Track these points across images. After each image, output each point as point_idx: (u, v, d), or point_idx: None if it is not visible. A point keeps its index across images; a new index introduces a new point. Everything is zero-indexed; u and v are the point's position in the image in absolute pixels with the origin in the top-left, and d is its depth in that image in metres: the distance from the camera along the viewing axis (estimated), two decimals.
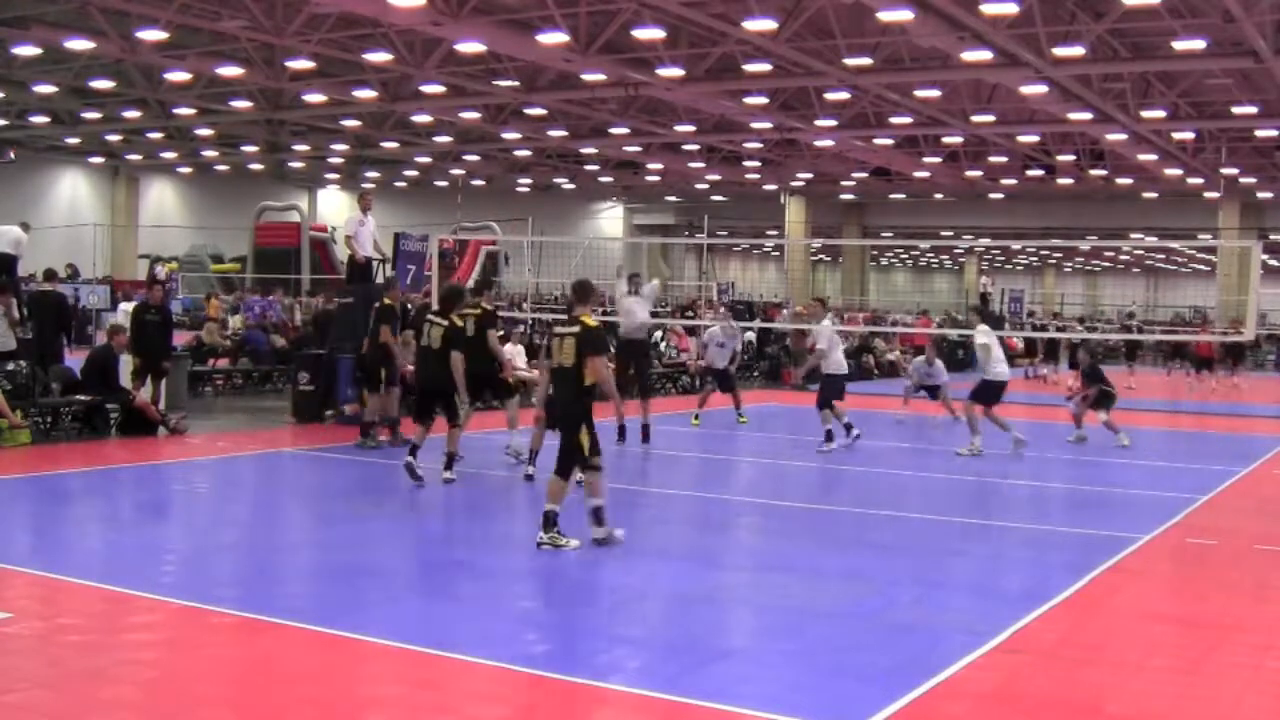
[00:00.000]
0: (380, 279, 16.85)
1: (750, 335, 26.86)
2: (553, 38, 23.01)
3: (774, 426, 18.48)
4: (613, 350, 13.18)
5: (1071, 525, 10.40)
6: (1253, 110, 28.03)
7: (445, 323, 10.87)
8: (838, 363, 14.90)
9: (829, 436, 14.36)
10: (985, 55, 22.57)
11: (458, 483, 11.65)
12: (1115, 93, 27.51)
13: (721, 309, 23.03)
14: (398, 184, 53.80)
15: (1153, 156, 34.87)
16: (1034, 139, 34.92)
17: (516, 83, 28.51)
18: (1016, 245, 63.64)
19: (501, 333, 13.32)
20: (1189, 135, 32.94)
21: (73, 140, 41.26)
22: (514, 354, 19.69)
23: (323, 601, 7.36)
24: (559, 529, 8.30)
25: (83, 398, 13.94)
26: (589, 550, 8.88)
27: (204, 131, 40.13)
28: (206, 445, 13.39)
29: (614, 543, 8.32)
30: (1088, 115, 28.62)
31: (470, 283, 18.96)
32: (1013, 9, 19.83)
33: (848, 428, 14.95)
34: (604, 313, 15.75)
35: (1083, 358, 17.57)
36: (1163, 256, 68.85)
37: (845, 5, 21.13)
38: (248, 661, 6.09)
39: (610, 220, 58.41)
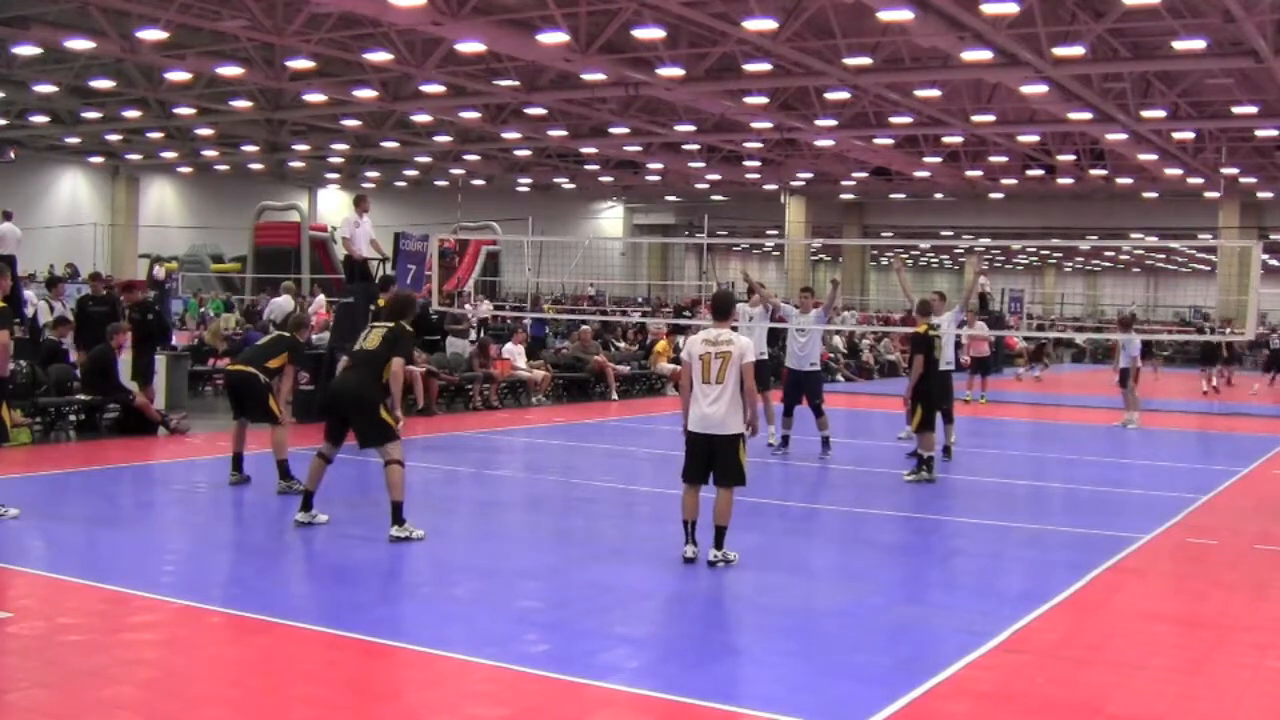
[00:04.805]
0: (378, 279, 16.89)
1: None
2: (553, 38, 23.02)
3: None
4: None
5: (1071, 525, 10.40)
6: (1253, 110, 28.03)
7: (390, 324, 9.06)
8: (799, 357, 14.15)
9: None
10: (985, 55, 22.58)
11: (456, 482, 11.66)
12: (1115, 93, 27.52)
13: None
14: (398, 184, 53.81)
15: (1153, 156, 34.89)
16: (1034, 139, 34.93)
17: (516, 83, 28.51)
18: (1016, 245, 63.63)
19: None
20: (1189, 135, 32.95)
21: (73, 140, 41.26)
22: (514, 354, 19.77)
23: (323, 601, 7.36)
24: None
25: (83, 398, 13.95)
26: (587, 550, 8.88)
27: (204, 131, 40.14)
28: (206, 445, 13.39)
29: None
30: (1088, 115, 28.63)
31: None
32: (1013, 9, 19.84)
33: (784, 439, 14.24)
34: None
35: None
36: (1163, 256, 68.84)
37: (845, 5, 21.13)
38: (248, 661, 6.09)
39: (610, 220, 58.43)
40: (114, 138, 41.46)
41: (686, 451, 8.21)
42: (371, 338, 8.90)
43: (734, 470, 8.05)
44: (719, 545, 8.02)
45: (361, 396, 8.67)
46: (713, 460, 8.11)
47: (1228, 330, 31.71)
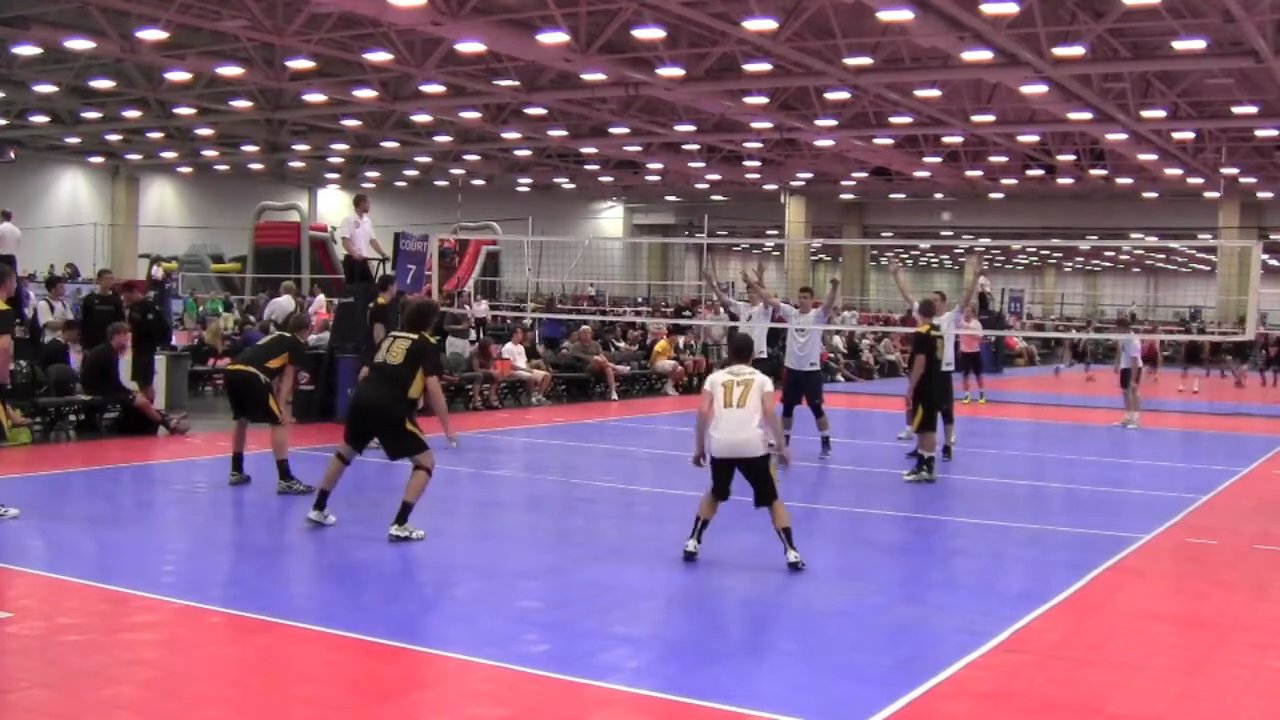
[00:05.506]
0: (378, 278, 16.91)
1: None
2: (553, 38, 23.03)
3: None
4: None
5: (1071, 525, 10.40)
6: (1253, 110, 28.04)
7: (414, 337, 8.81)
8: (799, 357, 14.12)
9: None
10: (985, 55, 22.59)
11: (456, 482, 11.64)
12: (1115, 93, 27.53)
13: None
14: (398, 184, 53.81)
15: (1153, 156, 34.89)
16: (1034, 139, 34.94)
17: (516, 83, 28.51)
18: (1016, 245, 63.65)
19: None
20: (1189, 135, 32.96)
21: (73, 140, 41.27)
22: (514, 354, 19.76)
23: (323, 601, 7.36)
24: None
25: (83, 398, 13.95)
26: (587, 550, 8.88)
27: (204, 131, 40.16)
28: (206, 445, 13.39)
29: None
30: (1088, 115, 28.63)
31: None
32: (1013, 9, 19.85)
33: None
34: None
35: None
36: (1163, 256, 68.84)
37: (845, 5, 21.14)
38: (248, 661, 6.09)
39: (610, 220, 58.44)
40: (114, 138, 41.47)
41: (713, 475, 8.26)
42: (394, 350, 8.71)
43: (768, 488, 8.18)
44: (792, 545, 8.09)
45: (387, 411, 8.64)
46: (739, 479, 8.21)
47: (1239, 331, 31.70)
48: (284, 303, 21.16)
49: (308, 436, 13.39)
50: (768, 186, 48.17)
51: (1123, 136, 31.45)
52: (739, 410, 8.13)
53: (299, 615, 6.70)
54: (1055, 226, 47.93)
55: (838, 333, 27.28)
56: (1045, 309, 61.15)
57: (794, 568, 8.01)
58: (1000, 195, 46.88)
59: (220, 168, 49.43)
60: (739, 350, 8.81)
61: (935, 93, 28.36)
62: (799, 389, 14.09)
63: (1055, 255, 73.75)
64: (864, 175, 43.31)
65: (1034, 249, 68.87)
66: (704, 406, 8.43)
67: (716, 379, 8.42)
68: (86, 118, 36.80)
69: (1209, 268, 61.10)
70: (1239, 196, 42.29)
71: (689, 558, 8.10)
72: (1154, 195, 44.39)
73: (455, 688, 5.74)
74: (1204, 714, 5.72)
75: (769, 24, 21.57)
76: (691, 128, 34.30)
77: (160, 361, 15.69)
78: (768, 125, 33.16)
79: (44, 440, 13.41)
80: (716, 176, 45.17)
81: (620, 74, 26.38)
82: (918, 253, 73.80)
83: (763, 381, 8.31)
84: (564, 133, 36.28)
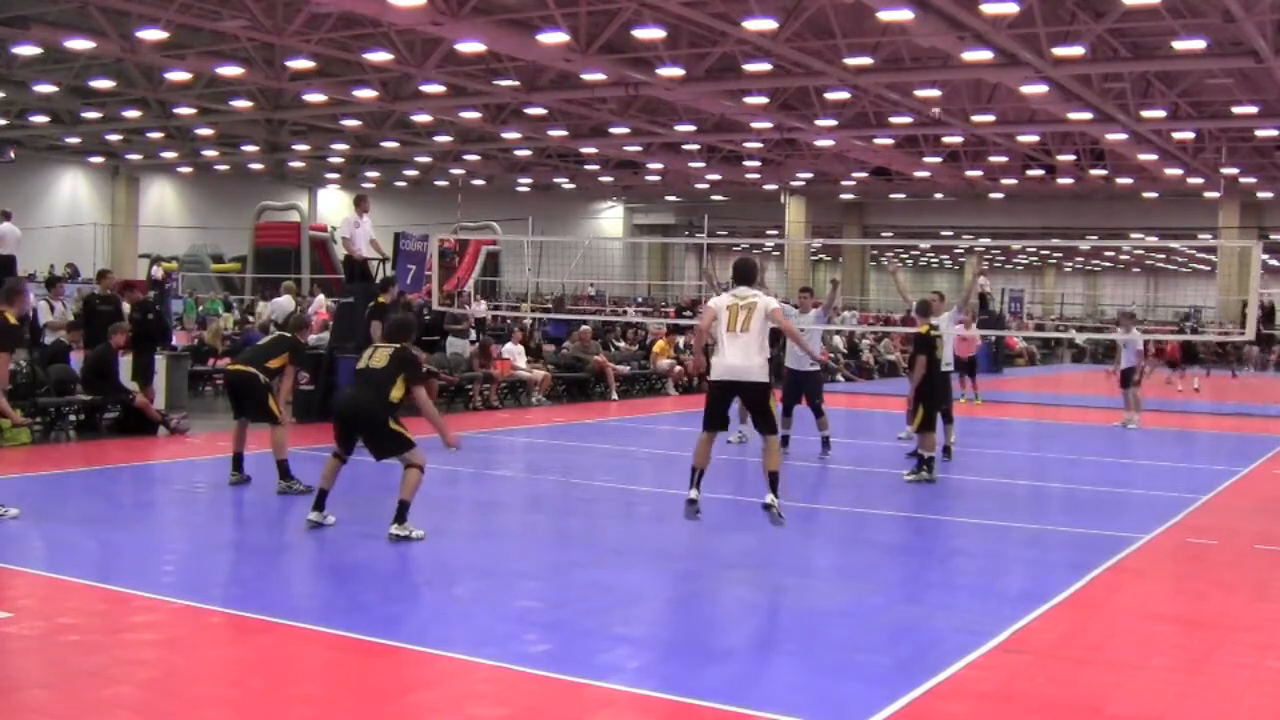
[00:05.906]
0: (379, 278, 16.91)
1: None
2: (553, 38, 23.05)
3: None
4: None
5: (1071, 525, 10.39)
6: (1253, 110, 28.06)
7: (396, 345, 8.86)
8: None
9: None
10: (985, 55, 22.61)
11: (456, 482, 11.65)
12: (1115, 93, 27.54)
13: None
14: (398, 184, 53.82)
15: (1153, 156, 34.90)
16: (1034, 139, 34.95)
17: (516, 83, 28.53)
18: (1016, 245, 63.64)
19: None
20: (1189, 135, 32.98)
21: (73, 140, 41.29)
22: (514, 354, 19.77)
23: (323, 601, 7.36)
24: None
25: (83, 398, 13.95)
26: (587, 550, 8.88)
27: (204, 131, 40.18)
28: (206, 445, 13.39)
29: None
30: (1088, 115, 28.65)
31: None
32: (1013, 9, 19.86)
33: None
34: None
35: None
36: (1163, 256, 68.84)
37: (845, 5, 21.16)
38: (248, 661, 6.09)
39: (610, 220, 58.46)
40: (114, 138, 41.48)
41: (709, 399, 8.32)
42: (378, 356, 8.82)
43: (768, 418, 8.26)
44: (774, 491, 8.16)
45: (369, 413, 8.67)
46: (730, 406, 8.33)
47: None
48: (284, 303, 21.16)
49: (308, 436, 13.38)
50: (768, 186, 48.19)
51: (1123, 136, 31.46)
52: (742, 335, 8.16)
53: (299, 615, 6.70)
54: (1055, 226, 47.96)
55: (838, 333, 27.28)
56: (1045, 309, 61.17)
57: (768, 509, 8.03)
58: (1000, 195, 46.90)
59: (220, 168, 49.44)
60: (742, 273, 8.74)
61: (935, 93, 28.36)
62: (799, 389, 14.08)
63: (1055, 255, 73.76)
64: (864, 175, 43.34)
65: (1034, 249, 68.88)
66: (704, 322, 8.47)
67: (720, 301, 8.41)
68: (86, 118, 36.81)
69: (1209, 268, 61.10)
70: (1239, 196, 42.32)
71: (691, 506, 8.14)
72: (1154, 195, 44.41)
73: (455, 688, 5.73)
74: (1204, 714, 5.72)
75: (769, 24, 21.59)
76: (691, 128, 34.31)
77: (160, 361, 15.68)
78: (768, 125, 33.17)
79: (44, 440, 13.42)
80: (716, 176, 45.18)
81: (620, 74, 26.39)
82: (918, 253, 73.78)
83: (766, 303, 8.28)
84: (564, 133, 36.29)
